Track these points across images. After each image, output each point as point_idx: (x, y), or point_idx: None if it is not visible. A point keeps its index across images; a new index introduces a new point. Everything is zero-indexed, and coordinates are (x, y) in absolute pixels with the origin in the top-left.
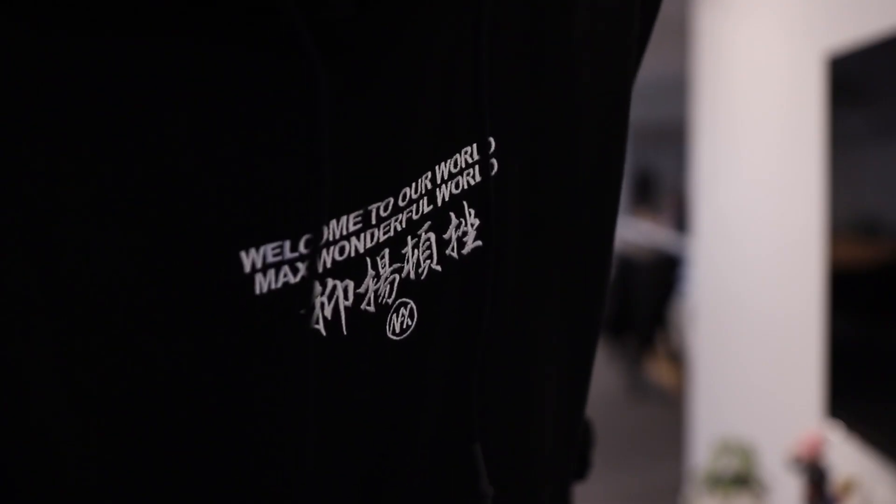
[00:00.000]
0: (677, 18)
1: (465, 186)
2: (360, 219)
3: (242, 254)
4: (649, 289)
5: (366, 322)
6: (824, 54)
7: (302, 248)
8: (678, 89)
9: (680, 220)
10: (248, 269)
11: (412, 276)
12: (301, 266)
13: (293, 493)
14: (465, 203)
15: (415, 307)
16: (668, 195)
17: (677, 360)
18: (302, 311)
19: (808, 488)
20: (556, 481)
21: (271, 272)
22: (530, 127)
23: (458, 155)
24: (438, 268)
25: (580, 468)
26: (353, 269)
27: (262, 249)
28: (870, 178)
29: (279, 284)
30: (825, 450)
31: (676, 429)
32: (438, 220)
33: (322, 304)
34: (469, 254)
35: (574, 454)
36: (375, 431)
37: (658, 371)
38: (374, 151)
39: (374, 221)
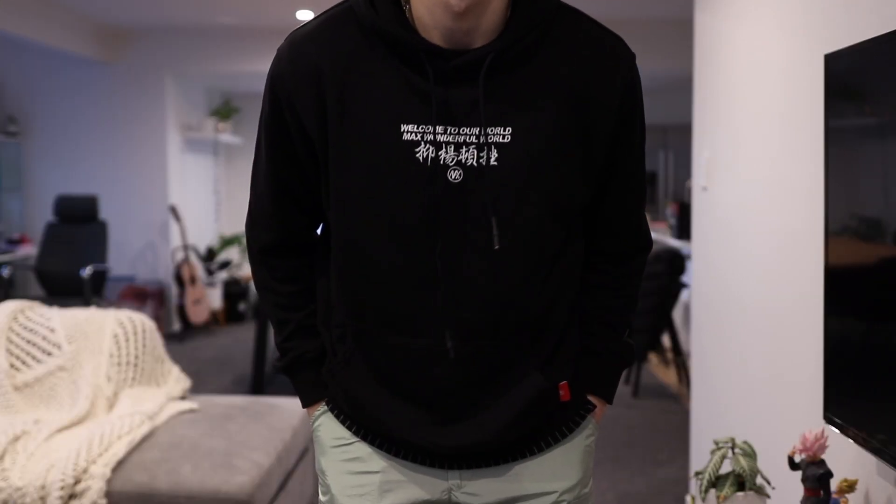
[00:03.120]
0: (677, 18)
1: (490, 140)
2: (443, 129)
3: (402, 125)
4: (651, 288)
5: (442, 168)
6: (825, 52)
7: (422, 128)
8: (680, 89)
9: (681, 218)
10: (403, 130)
11: (463, 161)
12: (421, 135)
13: (419, 237)
14: (489, 146)
15: (462, 172)
16: (668, 194)
17: (680, 359)
18: (417, 152)
19: (808, 488)
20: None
21: (411, 134)
22: (525, 124)
23: (485, 128)
24: (475, 164)
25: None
26: (439, 145)
27: (409, 125)
28: (867, 176)
29: (413, 138)
30: (825, 450)
31: (679, 428)
32: (477, 148)
33: (427, 154)
34: (487, 166)
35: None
36: (453, 214)
37: (661, 371)
38: (451, 107)
39: (450, 132)
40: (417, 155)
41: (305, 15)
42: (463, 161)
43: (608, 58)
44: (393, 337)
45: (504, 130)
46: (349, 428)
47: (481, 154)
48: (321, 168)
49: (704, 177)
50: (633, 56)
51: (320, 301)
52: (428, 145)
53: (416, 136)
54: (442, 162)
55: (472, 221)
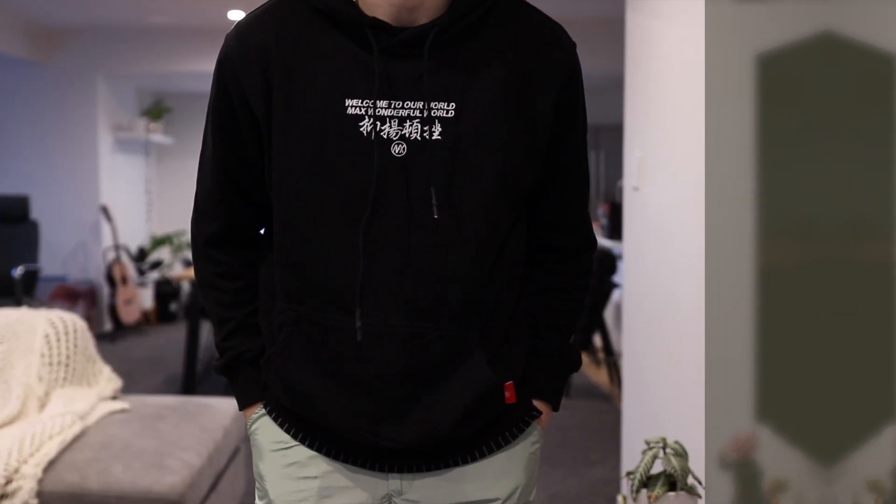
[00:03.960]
0: (608, 18)
1: (434, 114)
2: (387, 103)
3: (347, 99)
4: None
5: (386, 143)
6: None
7: (366, 103)
8: (611, 89)
9: (612, 218)
10: (348, 105)
11: (407, 135)
12: (366, 109)
13: (365, 199)
14: (433, 121)
15: (406, 146)
16: (600, 194)
17: (612, 359)
18: (361, 126)
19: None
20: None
21: (356, 108)
22: (468, 100)
23: (429, 102)
24: (419, 138)
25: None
26: (383, 119)
27: (354, 100)
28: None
29: (358, 112)
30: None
31: (611, 429)
32: (421, 122)
33: (371, 129)
34: (430, 140)
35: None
36: (396, 189)
37: (592, 371)
38: (395, 81)
39: (394, 106)
40: (361, 129)
41: (237, 15)
42: (406, 135)
43: (553, 44)
44: (333, 317)
45: (448, 105)
46: (287, 431)
47: (425, 128)
48: (265, 147)
49: (636, 177)
50: (574, 45)
51: (264, 294)
52: (372, 119)
53: (361, 110)
54: (385, 136)
55: (416, 196)
